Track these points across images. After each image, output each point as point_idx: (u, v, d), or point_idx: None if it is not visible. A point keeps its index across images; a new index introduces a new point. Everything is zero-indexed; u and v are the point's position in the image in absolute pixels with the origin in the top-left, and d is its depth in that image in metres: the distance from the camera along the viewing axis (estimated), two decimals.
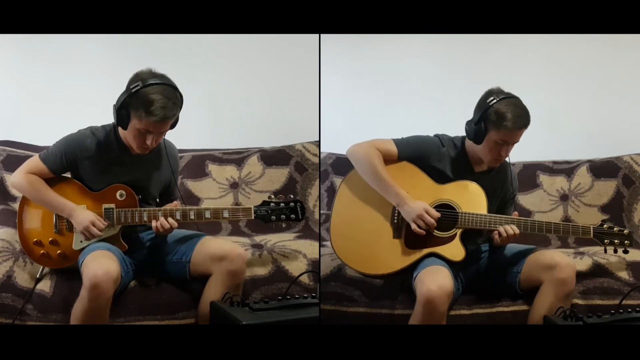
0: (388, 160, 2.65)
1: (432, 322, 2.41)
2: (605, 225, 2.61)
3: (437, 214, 2.57)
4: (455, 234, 2.58)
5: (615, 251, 2.62)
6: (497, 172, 2.69)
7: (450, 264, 2.55)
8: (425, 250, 2.58)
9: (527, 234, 2.60)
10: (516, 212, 2.64)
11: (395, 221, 2.64)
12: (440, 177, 2.64)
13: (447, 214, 2.60)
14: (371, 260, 2.64)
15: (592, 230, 2.60)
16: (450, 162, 2.65)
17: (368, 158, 2.62)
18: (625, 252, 2.62)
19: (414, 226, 2.57)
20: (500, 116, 2.51)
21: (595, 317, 2.35)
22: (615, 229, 2.61)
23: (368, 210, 2.68)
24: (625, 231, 2.61)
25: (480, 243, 2.72)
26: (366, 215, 2.68)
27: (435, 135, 2.70)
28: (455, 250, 2.56)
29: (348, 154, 2.71)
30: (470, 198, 2.60)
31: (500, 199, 2.71)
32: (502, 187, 2.71)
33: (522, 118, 2.52)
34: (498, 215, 2.59)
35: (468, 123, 2.60)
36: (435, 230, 2.59)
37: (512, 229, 2.53)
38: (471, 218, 2.57)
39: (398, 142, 2.67)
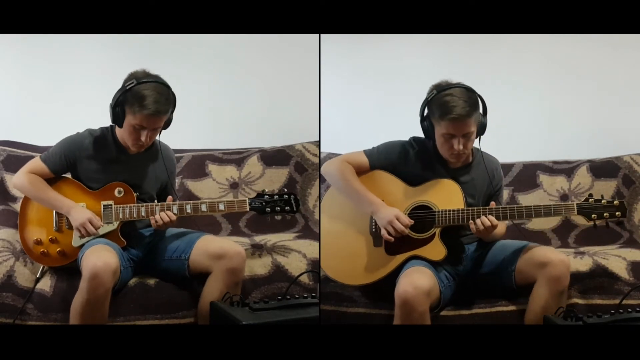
0: (361, 171, 2.68)
1: (412, 322, 2.41)
2: (591, 200, 2.52)
3: (408, 222, 2.55)
4: (434, 233, 2.57)
5: (607, 225, 2.54)
6: (474, 166, 2.66)
7: (434, 263, 2.56)
8: (406, 255, 2.58)
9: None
10: (493, 202, 2.59)
11: (373, 230, 2.65)
12: (416, 179, 2.64)
13: (424, 215, 2.59)
14: (356, 271, 2.65)
15: (575, 207, 2.52)
16: (424, 163, 2.64)
17: (340, 172, 2.66)
18: (620, 223, 2.53)
19: (383, 232, 2.57)
20: (437, 108, 2.50)
21: (595, 317, 2.34)
22: (603, 201, 2.51)
23: (348, 224, 2.70)
24: (615, 201, 2.51)
25: (468, 242, 2.70)
26: (347, 229, 2.70)
27: (410, 138, 2.70)
28: (435, 249, 2.56)
29: (322, 173, 2.76)
30: (445, 195, 2.59)
31: (486, 194, 2.68)
32: (484, 181, 2.67)
33: (457, 107, 2.46)
34: (475, 208, 2.56)
35: (420, 122, 2.60)
36: (414, 233, 2.58)
37: (489, 220, 2.50)
38: (448, 215, 2.56)
39: (368, 153, 2.70)
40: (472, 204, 2.61)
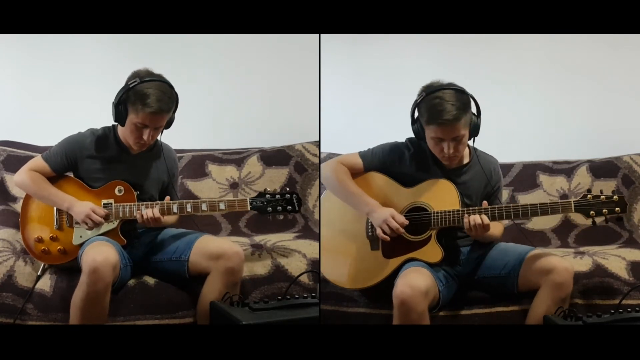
0: (355, 173, 2.67)
1: (411, 323, 2.40)
2: (589, 196, 2.43)
3: (403, 220, 2.54)
4: (430, 235, 2.55)
5: (607, 221, 2.46)
6: (471, 166, 2.63)
7: (432, 264, 2.54)
8: (403, 257, 2.57)
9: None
10: (485, 202, 2.55)
11: (370, 233, 2.64)
12: (412, 180, 2.61)
13: (420, 217, 2.57)
14: (354, 275, 2.65)
15: (573, 204, 2.45)
16: (420, 164, 2.62)
17: (335, 174, 2.65)
18: (619, 219, 2.45)
19: (379, 231, 2.55)
20: (425, 112, 2.47)
21: (595, 317, 2.35)
22: (602, 196, 2.42)
23: (345, 227, 2.69)
24: (614, 197, 2.41)
25: (465, 244, 2.67)
26: (344, 232, 2.69)
27: (406, 139, 2.67)
28: (432, 251, 2.54)
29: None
30: (440, 196, 2.56)
31: (484, 194, 2.64)
32: (481, 181, 2.64)
33: (444, 112, 2.41)
34: (469, 209, 2.52)
35: (411, 124, 2.58)
36: (410, 235, 2.57)
37: (480, 219, 2.46)
38: (444, 216, 2.53)
39: (363, 155, 2.68)
40: (470, 204, 2.58)
